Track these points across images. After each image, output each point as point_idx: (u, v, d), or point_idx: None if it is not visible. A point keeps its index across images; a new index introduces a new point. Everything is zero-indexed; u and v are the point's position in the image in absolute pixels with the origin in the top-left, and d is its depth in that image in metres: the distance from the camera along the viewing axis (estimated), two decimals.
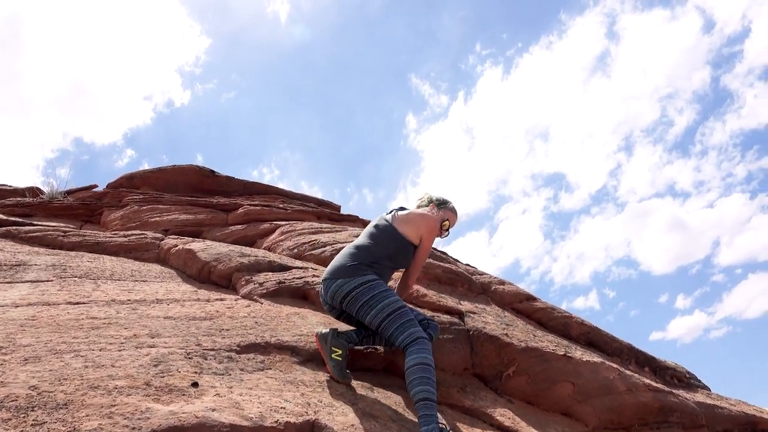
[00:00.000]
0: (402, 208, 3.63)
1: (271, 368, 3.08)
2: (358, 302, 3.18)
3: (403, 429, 2.83)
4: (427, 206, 3.69)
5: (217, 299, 4.20)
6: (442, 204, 3.71)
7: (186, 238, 6.13)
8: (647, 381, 4.24)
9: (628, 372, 4.20)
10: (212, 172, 8.86)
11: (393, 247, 3.41)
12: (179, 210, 7.41)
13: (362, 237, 3.50)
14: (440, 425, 2.80)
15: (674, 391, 4.64)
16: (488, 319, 4.35)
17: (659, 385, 4.40)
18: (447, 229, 3.66)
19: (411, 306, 3.73)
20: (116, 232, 6.67)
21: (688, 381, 6.15)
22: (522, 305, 5.55)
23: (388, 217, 3.52)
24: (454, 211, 3.72)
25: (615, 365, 4.24)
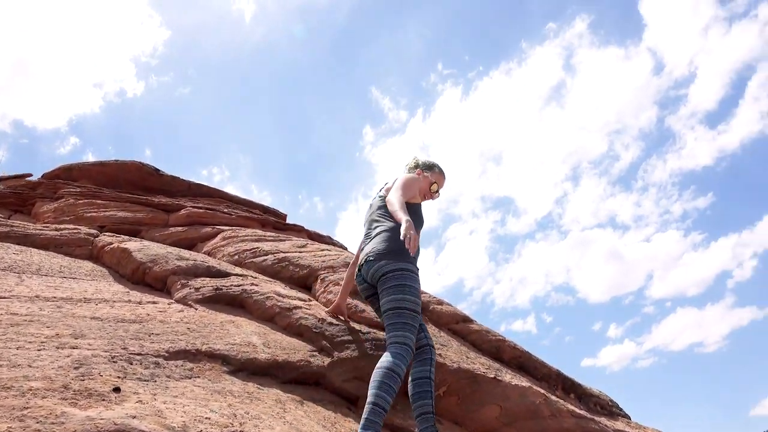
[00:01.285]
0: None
1: (199, 376, 3.01)
2: (390, 283, 3.17)
3: None
4: (414, 171, 3.73)
5: (149, 302, 4.08)
6: (428, 167, 3.74)
7: (122, 236, 5.94)
8: (571, 407, 4.37)
9: (553, 398, 4.32)
10: (156, 170, 8.63)
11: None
12: (118, 207, 7.17)
13: (383, 219, 3.46)
14: None
15: (596, 418, 4.80)
16: None
17: (582, 412, 4.55)
18: (437, 191, 3.68)
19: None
20: (48, 224, 6.38)
21: (610, 409, 6.37)
22: (458, 326, 5.62)
23: (383, 193, 3.61)
24: (441, 172, 3.73)
25: (542, 390, 4.36)
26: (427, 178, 3.73)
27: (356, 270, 3.55)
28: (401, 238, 2.93)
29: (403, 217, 3.02)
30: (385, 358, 3.00)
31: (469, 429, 3.89)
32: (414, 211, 3.49)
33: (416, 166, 3.76)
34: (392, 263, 3.20)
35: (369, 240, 3.49)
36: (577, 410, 4.47)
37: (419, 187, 3.63)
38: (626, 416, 6.74)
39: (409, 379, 3.26)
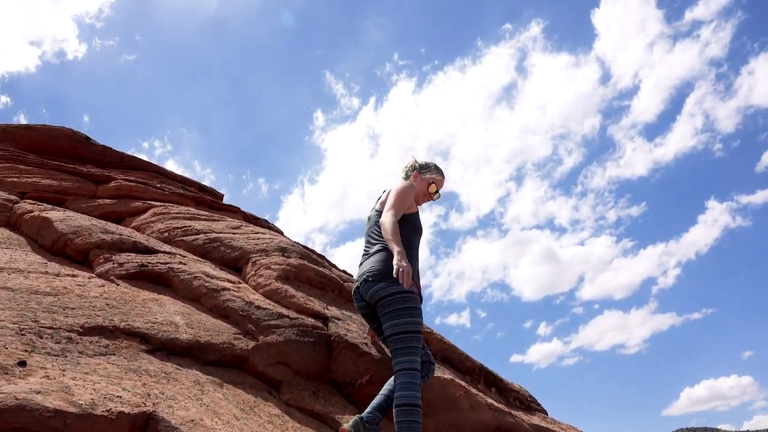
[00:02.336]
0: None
1: (114, 354, 2.91)
2: (391, 307, 3.13)
3: (245, 429, 2.79)
4: (411, 173, 3.62)
5: (68, 275, 3.91)
6: (425, 168, 3.62)
7: (45, 204, 5.65)
8: (490, 401, 4.51)
9: (473, 390, 4.44)
10: (87, 138, 8.24)
11: (403, 233, 3.32)
12: (43, 174, 6.81)
13: (381, 238, 3.37)
14: None
15: (513, 412, 4.96)
16: (352, 327, 4.41)
17: (500, 406, 4.69)
18: (436, 192, 3.58)
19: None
20: None
21: (528, 404, 6.60)
22: None
23: (379, 207, 3.50)
24: (438, 171, 3.62)
25: (463, 383, 4.46)
26: (425, 180, 3.62)
27: (354, 287, 3.50)
28: (393, 274, 2.95)
29: (395, 249, 3.03)
30: (402, 392, 3.01)
31: (389, 418, 3.94)
32: (413, 222, 3.42)
33: (413, 168, 3.66)
34: (391, 286, 3.17)
35: (367, 257, 3.45)
36: (496, 404, 4.61)
37: (416, 194, 3.54)
38: (543, 411, 7.00)
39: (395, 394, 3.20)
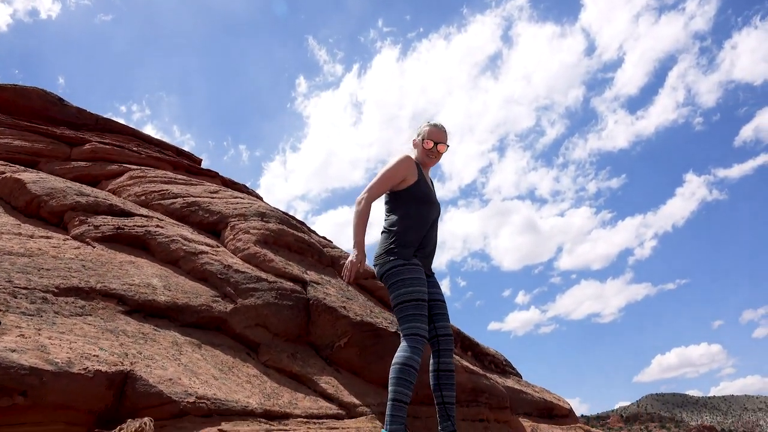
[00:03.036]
0: None
1: (91, 314, 2.90)
2: (387, 283, 3.17)
3: (223, 388, 2.82)
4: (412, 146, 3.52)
5: (42, 236, 3.86)
6: (418, 131, 3.47)
7: (17, 166, 5.53)
8: (466, 363, 4.60)
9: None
10: (60, 100, 8.02)
11: (397, 209, 3.29)
12: (14, 135, 6.63)
13: (385, 216, 3.41)
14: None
15: (488, 374, 5.08)
16: (330, 291, 4.44)
17: (475, 368, 4.80)
18: (434, 146, 3.32)
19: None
20: None
21: (503, 368, 6.77)
22: (367, 282, 5.72)
23: None
24: (430, 125, 3.38)
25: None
26: (418, 142, 3.50)
27: None
28: (341, 274, 2.99)
29: (352, 249, 3.09)
30: (399, 353, 3.08)
31: (366, 379, 4.01)
32: (410, 195, 3.31)
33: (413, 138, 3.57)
34: (383, 266, 3.24)
35: None
36: (471, 366, 4.71)
37: (420, 160, 3.43)
38: (518, 375, 7.19)
39: (429, 370, 3.28)
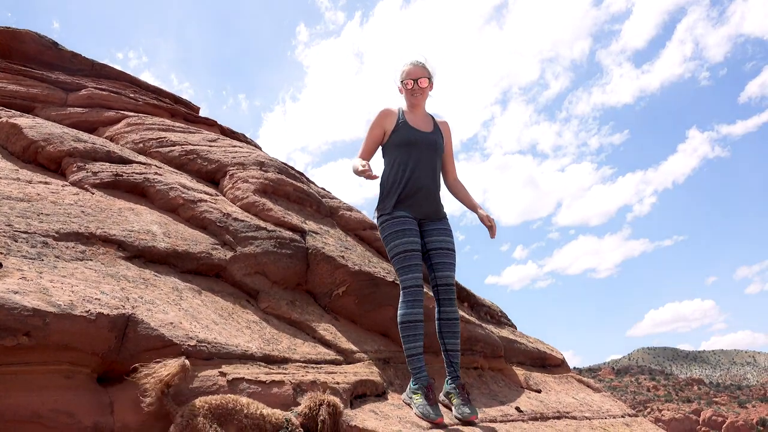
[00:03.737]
0: None
1: (92, 260, 2.92)
2: (382, 239, 3.30)
3: (224, 333, 2.87)
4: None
5: (40, 182, 3.85)
6: (398, 76, 3.33)
7: (13, 111, 5.46)
8: (462, 313, 4.67)
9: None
10: (54, 43, 7.85)
11: (384, 161, 3.36)
12: (8, 79, 6.52)
13: None
14: (431, 378, 3.00)
15: (484, 324, 5.17)
16: (329, 240, 4.47)
17: (472, 318, 4.88)
18: (411, 85, 3.23)
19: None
20: None
21: (498, 319, 6.88)
22: (366, 233, 5.75)
23: None
24: (405, 66, 3.27)
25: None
26: (401, 87, 3.32)
27: None
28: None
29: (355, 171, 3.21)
30: (398, 310, 3.18)
31: (364, 327, 4.08)
32: (393, 143, 3.23)
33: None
34: (375, 222, 3.37)
35: None
36: (467, 316, 4.78)
37: (382, 117, 3.31)
38: (512, 326, 7.32)
39: (434, 318, 3.35)
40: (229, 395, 2.31)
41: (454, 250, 3.34)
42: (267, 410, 2.32)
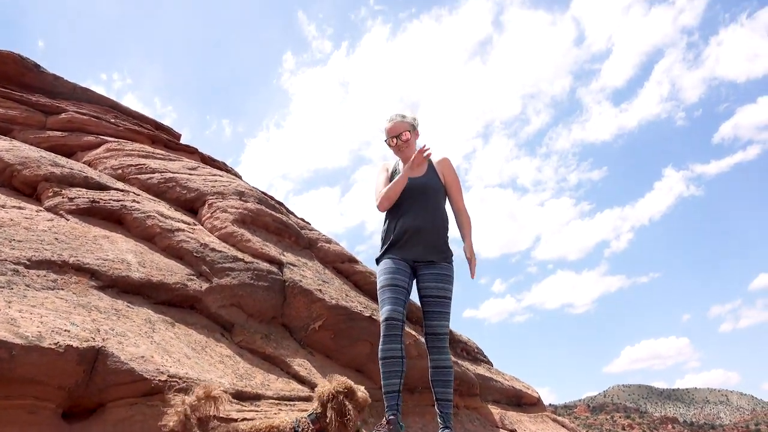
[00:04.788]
0: None
1: (63, 289, 2.86)
2: None
3: (196, 367, 2.82)
4: None
5: (14, 207, 3.78)
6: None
7: None
8: None
9: (422, 339, 4.56)
10: (37, 66, 7.81)
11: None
12: None
13: None
14: (393, 414, 2.85)
15: (460, 361, 5.15)
16: (307, 273, 4.45)
17: None
18: (394, 142, 3.34)
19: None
20: None
21: (475, 355, 6.86)
22: (344, 266, 5.73)
23: None
24: (386, 124, 3.39)
25: (414, 332, 4.59)
26: (387, 144, 3.53)
27: None
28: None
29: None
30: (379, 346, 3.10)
31: (339, 363, 4.04)
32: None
33: None
34: None
35: None
36: None
37: (378, 174, 3.44)
38: (488, 362, 7.30)
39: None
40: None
41: (449, 297, 3.27)
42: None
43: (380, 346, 3.13)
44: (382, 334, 3.13)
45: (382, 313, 3.15)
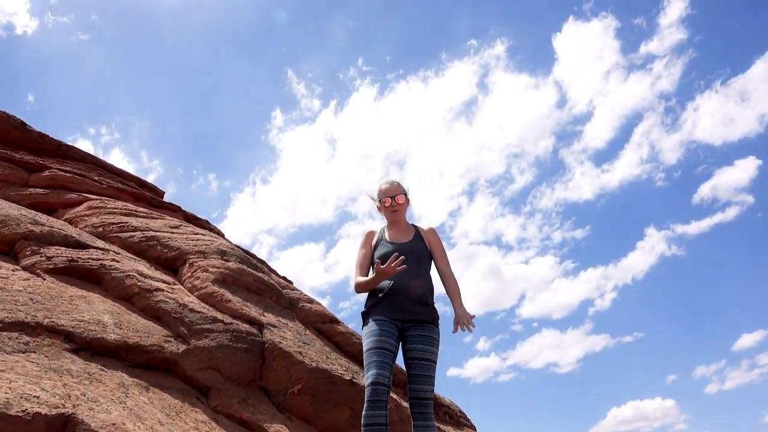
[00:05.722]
0: None
1: (35, 352, 2.79)
2: None
3: None
4: None
5: None
6: (374, 198, 3.55)
7: None
8: None
9: (404, 404, 4.48)
10: (23, 123, 7.86)
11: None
12: None
13: None
14: None
15: (442, 426, 5.04)
16: (287, 335, 4.39)
17: None
18: (389, 202, 3.38)
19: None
20: None
21: (458, 419, 6.72)
22: (325, 326, 5.67)
23: None
24: (380, 186, 3.47)
25: (395, 396, 4.51)
26: (379, 206, 3.58)
27: None
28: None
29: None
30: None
31: (319, 429, 3.94)
32: (372, 260, 3.38)
33: None
34: None
35: None
36: None
37: (363, 241, 3.49)
38: (472, 427, 7.14)
39: None
40: None
41: (434, 361, 3.22)
42: None
43: (364, 412, 3.06)
44: (366, 399, 3.06)
45: (367, 377, 3.09)
